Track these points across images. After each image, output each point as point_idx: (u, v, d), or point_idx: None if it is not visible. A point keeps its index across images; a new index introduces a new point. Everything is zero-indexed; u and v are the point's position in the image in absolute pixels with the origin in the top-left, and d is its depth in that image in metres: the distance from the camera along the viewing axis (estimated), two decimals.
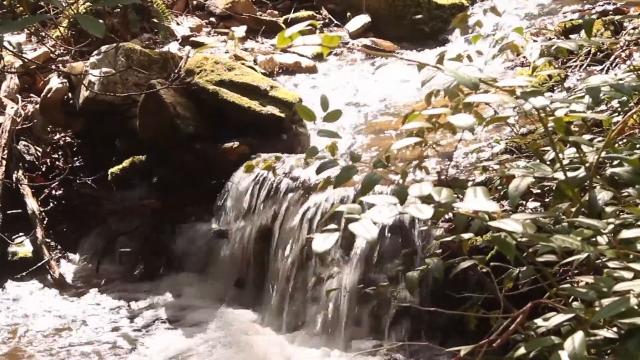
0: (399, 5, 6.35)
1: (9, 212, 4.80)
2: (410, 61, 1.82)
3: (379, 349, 3.46)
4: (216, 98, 4.59)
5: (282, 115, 4.53)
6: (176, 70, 5.02)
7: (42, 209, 4.90)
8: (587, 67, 4.32)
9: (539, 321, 1.58)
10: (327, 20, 6.65)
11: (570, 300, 1.67)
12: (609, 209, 1.70)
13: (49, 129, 5.36)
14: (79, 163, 5.19)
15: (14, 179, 4.92)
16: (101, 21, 1.84)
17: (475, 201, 1.52)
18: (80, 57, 5.47)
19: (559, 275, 1.98)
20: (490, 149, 3.69)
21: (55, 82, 5.25)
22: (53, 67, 5.46)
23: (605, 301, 1.40)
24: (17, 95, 5.47)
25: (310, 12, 6.64)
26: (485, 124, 1.95)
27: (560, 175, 1.72)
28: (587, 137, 2.03)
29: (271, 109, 4.53)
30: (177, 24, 6.43)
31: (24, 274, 4.59)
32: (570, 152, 1.87)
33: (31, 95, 5.58)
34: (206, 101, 4.64)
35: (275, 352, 3.71)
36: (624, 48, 3.92)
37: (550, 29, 5.06)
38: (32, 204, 4.86)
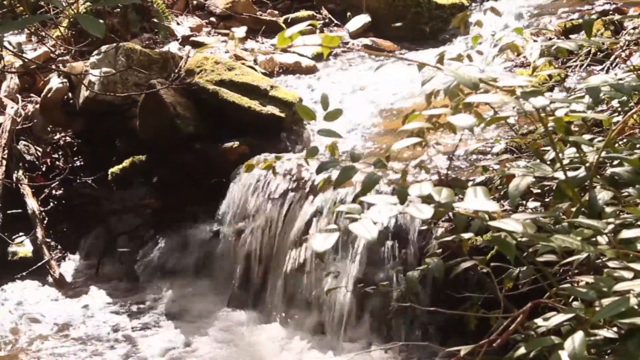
0: (399, 5, 6.35)
1: (9, 212, 4.81)
2: (410, 61, 1.82)
3: (379, 348, 3.46)
4: (216, 98, 4.59)
5: (282, 115, 4.53)
6: (176, 70, 5.02)
7: (42, 209, 4.90)
8: (587, 67, 4.33)
9: (539, 321, 1.58)
10: (327, 20, 6.65)
11: (570, 300, 1.67)
12: (609, 209, 1.70)
13: (49, 128, 5.36)
14: (79, 163, 5.20)
15: (14, 178, 4.92)
16: (101, 21, 1.84)
17: (475, 201, 1.52)
18: (80, 57, 5.47)
19: (559, 275, 1.98)
20: (490, 148, 3.69)
21: (55, 82, 5.25)
22: (53, 67, 5.46)
23: (605, 301, 1.40)
24: (17, 95, 5.48)
25: (310, 12, 6.64)
26: (485, 124, 1.95)
27: (560, 175, 1.72)
28: (587, 137, 2.03)
29: (271, 109, 4.53)
30: (177, 23, 6.43)
31: (24, 273, 4.59)
32: (570, 151, 1.87)
33: (31, 95, 5.59)
34: (206, 101, 4.64)
35: (275, 352, 3.71)
36: (624, 48, 3.92)
37: (550, 29, 5.06)
38: (32, 203, 4.86)
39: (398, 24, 5.85)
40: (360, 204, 1.58)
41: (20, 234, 4.82)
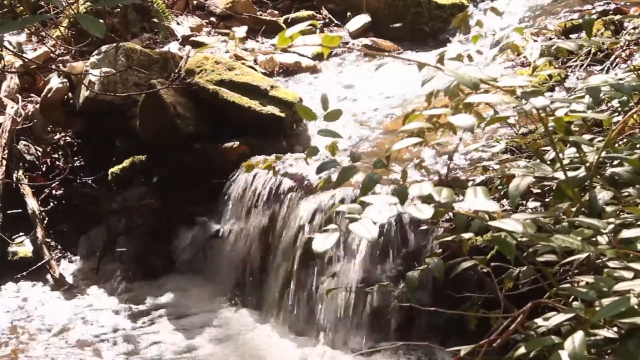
0: (399, 5, 6.36)
1: (9, 211, 4.81)
2: (411, 61, 1.83)
3: (379, 348, 3.46)
4: (216, 98, 4.59)
5: (283, 115, 4.53)
6: (176, 70, 5.02)
7: (42, 209, 4.90)
8: (587, 67, 4.32)
9: (539, 321, 1.59)
10: (327, 20, 6.65)
11: (570, 300, 1.67)
12: (609, 209, 1.70)
13: (49, 128, 5.36)
14: (79, 163, 5.20)
15: (14, 178, 4.93)
16: (101, 21, 1.84)
17: (475, 201, 1.52)
18: (80, 57, 5.47)
19: (559, 275, 1.98)
20: (491, 148, 3.69)
21: (55, 81, 5.26)
22: (53, 66, 5.46)
23: (606, 301, 1.40)
24: (17, 95, 5.48)
25: (310, 12, 6.64)
26: (485, 124, 1.95)
27: (560, 175, 1.72)
28: (587, 137, 2.03)
29: (271, 109, 4.53)
30: (177, 23, 6.43)
31: (24, 273, 4.60)
32: (570, 151, 1.87)
33: (31, 95, 5.59)
34: (206, 101, 4.64)
35: (275, 352, 3.72)
36: (624, 48, 3.92)
37: (550, 29, 5.05)
38: (32, 203, 4.86)
39: (398, 25, 5.85)
40: (360, 204, 1.58)
41: (20, 233, 4.82)
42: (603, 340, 1.46)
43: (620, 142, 2.14)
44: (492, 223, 1.50)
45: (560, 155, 1.77)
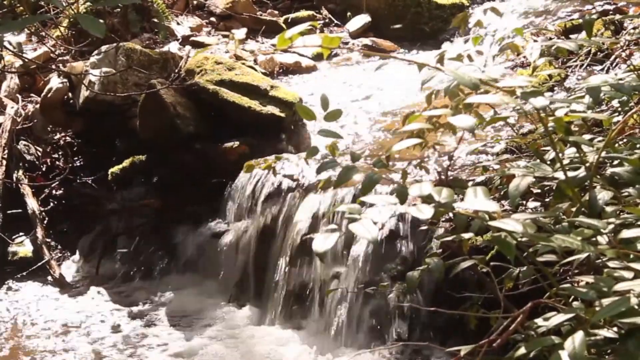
0: (399, 5, 6.36)
1: (9, 211, 4.81)
2: (410, 61, 1.83)
3: (379, 348, 3.46)
4: (216, 98, 4.59)
5: (283, 115, 4.53)
6: (176, 70, 5.02)
7: (42, 209, 4.90)
8: (587, 67, 4.32)
9: (539, 321, 1.58)
10: (327, 20, 6.65)
11: (570, 300, 1.67)
12: (609, 209, 1.70)
13: (49, 128, 5.37)
14: (79, 163, 5.20)
15: (14, 178, 4.93)
16: (101, 21, 1.84)
17: (475, 201, 1.52)
18: (80, 57, 5.47)
19: (559, 275, 1.98)
20: (491, 148, 3.69)
21: (55, 82, 5.26)
22: (53, 67, 5.46)
23: (606, 301, 1.40)
24: (18, 95, 5.48)
25: (310, 12, 6.64)
26: (485, 124, 1.95)
27: (560, 175, 1.72)
28: (587, 137, 2.03)
29: (271, 109, 4.53)
30: (177, 23, 6.43)
31: (24, 273, 4.60)
32: (570, 151, 1.87)
33: (31, 95, 5.59)
34: (206, 101, 4.64)
35: (275, 352, 3.71)
36: (624, 48, 3.92)
37: (550, 29, 5.05)
38: (32, 203, 4.86)
39: (399, 25, 5.86)
40: (360, 204, 1.58)
41: (21, 233, 4.82)
42: (603, 340, 1.46)
43: (620, 142, 2.14)
44: (492, 223, 1.50)
45: (560, 155, 1.77)
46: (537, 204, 2.78)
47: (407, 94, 4.98)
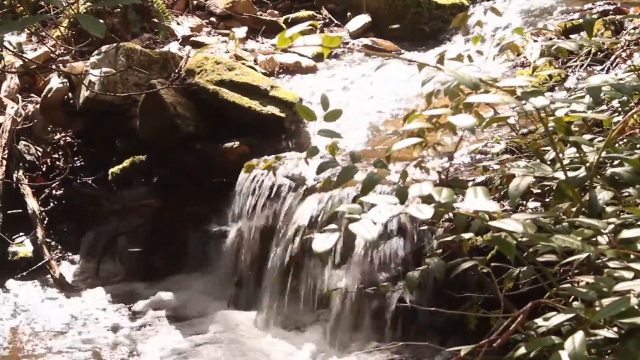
0: (399, 5, 6.35)
1: (9, 212, 4.81)
2: (411, 61, 1.82)
3: (378, 349, 3.46)
4: (216, 98, 4.59)
5: (283, 115, 4.53)
6: (176, 70, 5.02)
7: (42, 209, 4.90)
8: (588, 67, 4.32)
9: (539, 321, 1.58)
10: (327, 20, 6.64)
11: (570, 300, 1.67)
12: (609, 209, 1.70)
13: (49, 128, 5.37)
14: (79, 163, 5.20)
15: (15, 178, 4.93)
16: (101, 21, 1.84)
17: (475, 201, 1.52)
18: (80, 57, 5.47)
19: (559, 275, 1.98)
20: (491, 148, 3.69)
21: (55, 82, 5.26)
22: (53, 67, 5.46)
23: (606, 301, 1.40)
24: (18, 95, 5.48)
25: (310, 12, 6.64)
26: (485, 124, 1.94)
27: (560, 175, 1.72)
28: (587, 137, 2.03)
29: (271, 109, 4.53)
30: (178, 23, 6.43)
31: (24, 273, 4.60)
32: (570, 152, 1.87)
33: (31, 95, 5.59)
34: (206, 101, 4.64)
35: (275, 352, 3.71)
36: (625, 48, 3.92)
37: (551, 29, 5.05)
38: (32, 203, 4.86)
39: (397, 26, 5.86)
40: (360, 204, 1.58)
41: (21, 234, 4.82)
42: (603, 340, 1.46)
43: (620, 142, 2.14)
44: (492, 223, 1.50)
45: (560, 155, 1.76)
46: (537, 204, 2.78)
47: (407, 94, 4.98)
